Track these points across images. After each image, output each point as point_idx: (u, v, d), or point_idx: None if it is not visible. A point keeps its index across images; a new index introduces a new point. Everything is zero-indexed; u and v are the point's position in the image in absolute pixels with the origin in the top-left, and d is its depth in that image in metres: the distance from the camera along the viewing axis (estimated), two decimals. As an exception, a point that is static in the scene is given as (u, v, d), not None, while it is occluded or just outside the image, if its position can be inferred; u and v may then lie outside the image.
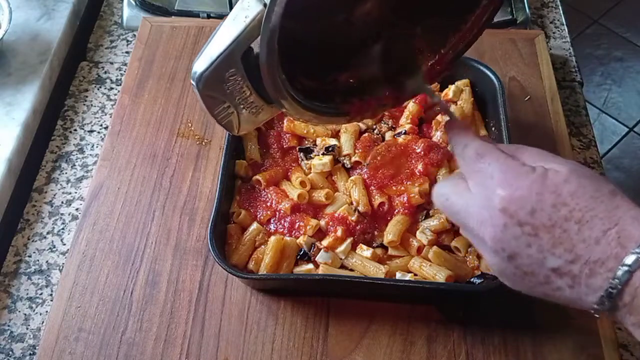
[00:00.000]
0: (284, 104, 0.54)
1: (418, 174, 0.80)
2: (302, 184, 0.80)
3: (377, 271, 0.73)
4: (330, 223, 0.77)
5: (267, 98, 0.55)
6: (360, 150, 0.82)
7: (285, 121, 0.86)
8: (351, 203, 0.78)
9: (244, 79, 0.53)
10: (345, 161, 0.83)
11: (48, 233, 0.85)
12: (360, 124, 0.86)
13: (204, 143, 0.90)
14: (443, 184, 0.55)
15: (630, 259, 0.41)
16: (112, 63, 1.06)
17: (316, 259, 0.74)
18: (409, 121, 0.85)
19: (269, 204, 0.78)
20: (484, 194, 0.48)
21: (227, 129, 0.57)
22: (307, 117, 0.57)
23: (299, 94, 0.54)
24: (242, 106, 0.55)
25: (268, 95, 0.53)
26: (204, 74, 0.51)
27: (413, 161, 0.81)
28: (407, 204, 0.77)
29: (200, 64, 0.51)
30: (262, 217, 0.78)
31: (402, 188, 0.79)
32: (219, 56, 0.51)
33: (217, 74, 0.51)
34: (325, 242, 0.75)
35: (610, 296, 0.43)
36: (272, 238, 0.74)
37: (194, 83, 0.52)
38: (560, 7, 1.14)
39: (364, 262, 0.74)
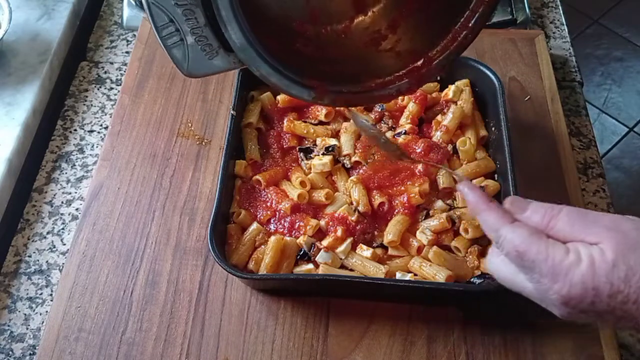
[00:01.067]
0: (237, 44, 0.50)
1: (418, 174, 0.80)
2: (302, 184, 0.80)
3: (377, 271, 0.73)
4: (330, 223, 0.77)
5: (222, 39, 0.51)
6: (360, 150, 0.82)
7: (285, 121, 0.86)
8: (351, 203, 0.78)
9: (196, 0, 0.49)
10: (345, 161, 0.83)
11: (48, 233, 0.85)
12: (360, 124, 0.86)
13: (204, 143, 0.90)
14: (495, 261, 0.56)
15: None
16: (112, 63, 1.06)
17: (316, 259, 0.74)
18: (409, 121, 0.85)
19: (269, 204, 0.79)
20: (542, 288, 0.49)
21: (174, 61, 0.52)
22: (264, 72, 0.53)
23: (261, 46, 0.51)
24: (192, 35, 0.51)
25: (223, 34, 0.50)
26: None
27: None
28: (407, 204, 0.77)
29: None
30: (262, 217, 0.78)
31: (402, 188, 0.79)
32: None
33: None
34: (325, 242, 0.75)
35: None
36: (272, 238, 0.74)
37: None
38: (560, 7, 1.14)
39: (364, 262, 0.74)
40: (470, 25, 0.58)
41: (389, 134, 0.85)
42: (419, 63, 0.61)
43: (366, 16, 0.62)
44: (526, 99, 0.94)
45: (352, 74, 0.60)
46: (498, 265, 0.55)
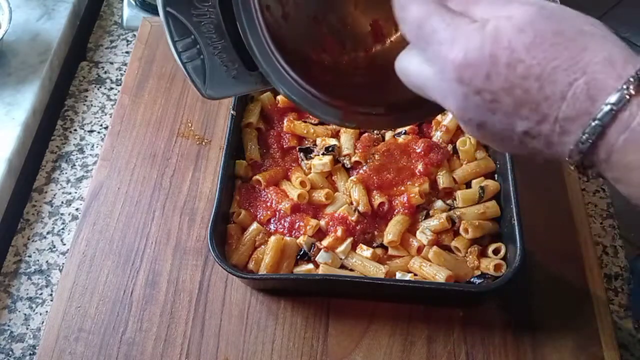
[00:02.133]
0: (267, 69, 0.46)
1: (418, 174, 0.80)
2: (302, 184, 0.80)
3: (377, 271, 0.73)
4: (330, 223, 0.77)
5: (245, 58, 0.46)
6: (360, 150, 0.82)
7: (285, 121, 0.86)
8: (351, 203, 0.78)
9: (217, 15, 0.45)
10: (345, 161, 0.83)
11: (48, 233, 0.85)
12: (360, 124, 0.86)
13: (204, 143, 0.90)
14: (401, 57, 0.46)
15: (600, 113, 0.36)
16: (112, 63, 1.06)
17: (316, 259, 0.74)
18: (409, 121, 0.85)
19: (269, 204, 0.78)
20: (438, 65, 0.41)
21: (192, 81, 0.48)
22: (292, 94, 0.49)
23: (287, 64, 0.47)
24: (213, 53, 0.47)
25: (247, 53, 0.45)
26: None
27: (413, 161, 0.81)
28: (407, 204, 0.77)
29: None
30: (262, 217, 0.78)
31: (402, 188, 0.79)
32: None
33: None
34: (325, 242, 0.75)
35: (583, 153, 0.38)
36: (272, 238, 0.74)
37: None
38: (560, 7, 1.14)
39: (364, 262, 0.74)
40: None
41: (388, 134, 0.85)
42: None
43: (385, 45, 0.61)
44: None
45: (377, 99, 0.58)
46: (398, 61, 0.46)
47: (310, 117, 0.87)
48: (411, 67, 0.45)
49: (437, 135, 0.84)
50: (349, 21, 0.58)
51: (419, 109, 0.58)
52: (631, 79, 0.36)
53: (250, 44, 0.46)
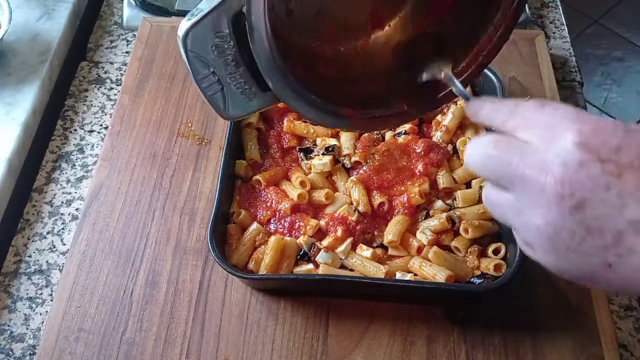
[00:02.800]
0: (276, 86, 0.51)
1: (418, 174, 0.80)
2: (302, 184, 0.80)
3: (377, 271, 0.73)
4: (330, 223, 0.77)
5: (259, 80, 0.52)
6: (360, 150, 0.82)
7: (285, 121, 0.86)
8: (351, 203, 0.78)
9: (233, 46, 0.50)
10: (345, 161, 0.83)
11: (48, 233, 0.85)
12: (360, 124, 0.86)
13: (204, 143, 0.90)
14: (482, 138, 0.44)
15: None
16: (112, 63, 1.06)
17: (316, 259, 0.74)
18: (409, 121, 0.85)
19: (269, 204, 0.79)
20: (552, 134, 0.39)
21: (214, 107, 0.53)
22: (303, 109, 0.54)
23: (293, 77, 0.52)
24: (231, 81, 0.52)
25: (260, 75, 0.51)
26: (190, 28, 0.48)
27: (413, 161, 0.81)
28: (407, 204, 0.77)
29: (189, 17, 0.49)
30: (262, 217, 0.78)
31: (402, 188, 0.79)
32: (208, 12, 0.48)
33: (203, 31, 0.49)
34: (325, 242, 0.75)
35: None
36: (272, 238, 0.74)
37: (180, 36, 0.49)
38: (560, 7, 1.14)
39: (364, 262, 0.74)
40: (493, 40, 0.57)
41: (388, 134, 0.85)
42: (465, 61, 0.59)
43: (383, 30, 0.62)
44: (526, 99, 0.94)
45: (380, 95, 0.60)
46: (477, 140, 0.45)
47: (310, 117, 0.87)
48: (499, 141, 0.43)
49: (437, 135, 0.84)
50: (349, 10, 0.60)
51: (415, 107, 0.59)
52: None
53: (262, 67, 0.51)
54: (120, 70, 1.05)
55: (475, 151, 0.44)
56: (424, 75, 0.59)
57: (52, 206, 0.88)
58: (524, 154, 0.40)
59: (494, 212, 0.45)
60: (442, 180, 0.80)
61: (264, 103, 0.55)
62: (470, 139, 0.83)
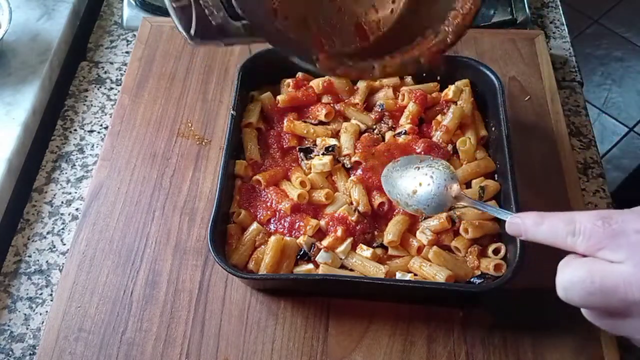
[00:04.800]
0: (247, 12, 0.49)
1: (418, 174, 0.80)
2: (302, 184, 0.80)
3: (377, 271, 0.73)
4: (330, 223, 0.77)
5: (229, 5, 0.50)
6: (360, 150, 0.82)
7: (285, 121, 0.86)
8: (351, 203, 0.78)
9: None
10: (345, 161, 0.83)
11: (48, 233, 0.85)
12: (360, 124, 0.86)
13: (204, 143, 0.90)
14: (572, 272, 0.49)
15: None
16: (112, 63, 1.06)
17: (316, 259, 0.74)
18: (409, 121, 0.85)
19: (269, 204, 0.78)
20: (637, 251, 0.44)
21: (178, 24, 0.52)
22: (270, 39, 0.52)
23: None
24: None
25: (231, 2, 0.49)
26: None
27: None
28: (407, 204, 0.77)
29: None
30: (262, 217, 0.78)
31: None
32: None
33: None
34: (325, 242, 0.75)
35: None
36: (272, 238, 0.74)
37: None
38: (560, 7, 1.14)
39: (364, 262, 0.74)
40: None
41: (389, 134, 0.85)
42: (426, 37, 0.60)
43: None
44: (526, 99, 0.94)
45: (350, 33, 0.59)
46: (573, 270, 0.49)
47: (310, 117, 0.87)
48: (592, 271, 0.46)
49: (437, 135, 0.84)
50: None
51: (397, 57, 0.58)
52: None
53: None
54: (120, 70, 1.05)
55: (575, 290, 0.47)
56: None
57: (52, 206, 0.88)
58: (624, 275, 0.44)
59: (614, 332, 0.49)
60: (442, 180, 0.80)
61: (233, 36, 0.53)
62: (470, 139, 0.83)
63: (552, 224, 0.51)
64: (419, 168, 0.74)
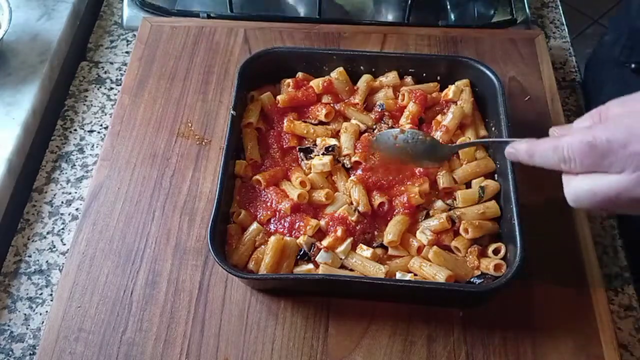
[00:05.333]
0: None
1: (418, 174, 0.80)
2: (302, 184, 0.80)
3: (377, 271, 0.73)
4: (330, 223, 0.77)
5: None
6: (360, 150, 0.82)
7: (285, 121, 0.86)
8: (351, 203, 0.78)
9: None
10: (345, 161, 0.83)
11: (48, 233, 0.85)
12: (360, 124, 0.86)
13: (204, 143, 0.90)
14: (576, 185, 0.56)
15: None
16: (112, 63, 1.06)
17: (316, 259, 0.74)
18: (409, 121, 0.85)
19: (269, 204, 0.78)
20: (626, 170, 0.51)
21: None
22: None
23: None
24: None
25: None
26: None
27: (413, 161, 0.81)
28: (407, 204, 0.77)
29: None
30: (262, 217, 0.78)
31: (402, 188, 0.79)
32: None
33: None
34: (325, 242, 0.75)
35: None
36: (272, 238, 0.74)
37: None
38: (560, 7, 1.14)
39: (364, 262, 0.74)
40: None
41: (389, 134, 0.85)
42: None
43: None
44: (526, 99, 0.94)
45: None
46: (577, 186, 0.55)
47: (310, 117, 0.87)
48: (589, 186, 0.54)
49: (437, 135, 0.84)
50: None
51: None
52: None
53: None
54: (120, 70, 1.04)
55: (583, 201, 0.56)
56: None
57: (52, 206, 0.88)
58: (627, 188, 0.51)
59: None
60: (442, 180, 0.80)
61: None
62: (470, 139, 0.83)
63: (542, 154, 0.58)
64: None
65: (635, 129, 0.50)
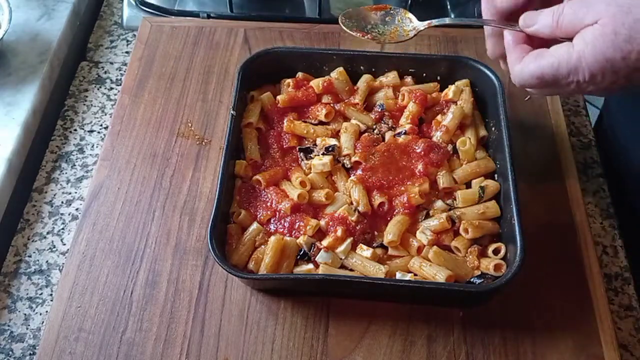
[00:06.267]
0: None
1: (418, 174, 0.80)
2: (302, 184, 0.80)
3: (377, 271, 0.73)
4: (330, 223, 0.77)
5: None
6: (360, 150, 0.82)
7: (285, 121, 0.86)
8: (351, 203, 0.78)
9: None
10: (345, 161, 0.83)
11: (48, 233, 0.85)
12: (360, 124, 0.86)
13: (204, 143, 0.90)
14: (522, 67, 0.61)
15: None
16: (112, 63, 1.06)
17: (316, 259, 0.74)
18: (409, 121, 0.85)
19: (269, 204, 0.78)
20: (575, 89, 0.57)
21: None
22: None
23: None
24: None
25: None
26: None
27: (413, 161, 0.81)
28: (407, 204, 0.77)
29: None
30: (262, 217, 0.78)
31: (402, 188, 0.79)
32: None
33: None
34: (325, 242, 0.75)
35: None
36: (272, 238, 0.74)
37: None
38: (560, 7, 1.14)
39: (364, 262, 0.74)
40: None
41: (389, 134, 0.85)
42: None
43: None
44: (526, 99, 0.94)
45: None
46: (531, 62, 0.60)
47: (310, 117, 0.87)
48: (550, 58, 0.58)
49: (437, 135, 0.84)
50: None
51: None
52: None
53: None
54: (120, 70, 1.05)
55: (529, 81, 0.61)
56: None
57: (52, 206, 0.88)
58: (578, 17, 0.57)
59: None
60: (442, 180, 0.80)
61: None
62: (470, 139, 0.83)
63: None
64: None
65: (575, 60, 0.56)
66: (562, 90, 0.59)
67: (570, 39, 0.57)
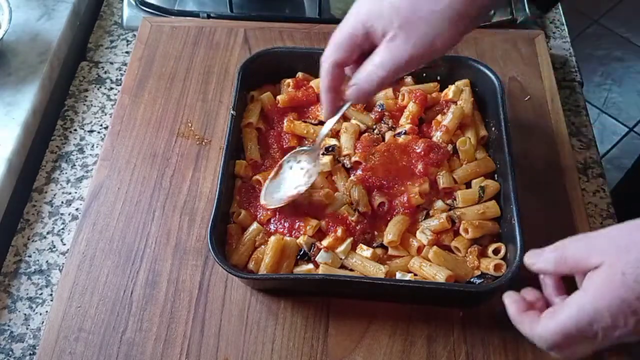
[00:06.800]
0: None
1: (418, 174, 0.80)
2: (302, 184, 0.80)
3: (377, 271, 0.73)
4: (330, 223, 0.77)
5: None
6: (360, 150, 0.82)
7: (285, 121, 0.86)
8: (351, 203, 0.78)
9: None
10: (345, 161, 0.83)
11: (48, 233, 0.85)
12: (360, 124, 0.86)
13: (204, 143, 0.90)
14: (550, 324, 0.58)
15: None
16: (112, 63, 1.06)
17: (316, 259, 0.74)
18: (409, 121, 0.85)
19: (269, 204, 0.78)
20: (595, 340, 0.56)
21: None
22: None
23: None
24: None
25: None
26: None
27: (413, 161, 0.81)
28: (407, 204, 0.77)
29: None
30: (262, 217, 0.78)
31: (402, 188, 0.79)
32: None
33: None
34: (325, 242, 0.75)
35: None
36: (272, 238, 0.74)
37: None
38: (560, 7, 1.14)
39: (364, 262, 0.74)
40: None
41: (389, 134, 0.85)
42: None
43: None
44: (526, 99, 0.94)
45: None
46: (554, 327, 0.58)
47: (310, 117, 0.87)
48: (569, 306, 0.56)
49: (437, 135, 0.84)
50: None
51: None
52: None
53: None
54: (120, 70, 1.05)
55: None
56: None
57: (52, 206, 0.88)
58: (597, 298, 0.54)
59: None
60: (442, 180, 0.80)
61: None
62: (470, 139, 0.83)
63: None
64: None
65: (588, 314, 0.54)
66: (593, 344, 0.56)
67: (573, 277, 0.58)
